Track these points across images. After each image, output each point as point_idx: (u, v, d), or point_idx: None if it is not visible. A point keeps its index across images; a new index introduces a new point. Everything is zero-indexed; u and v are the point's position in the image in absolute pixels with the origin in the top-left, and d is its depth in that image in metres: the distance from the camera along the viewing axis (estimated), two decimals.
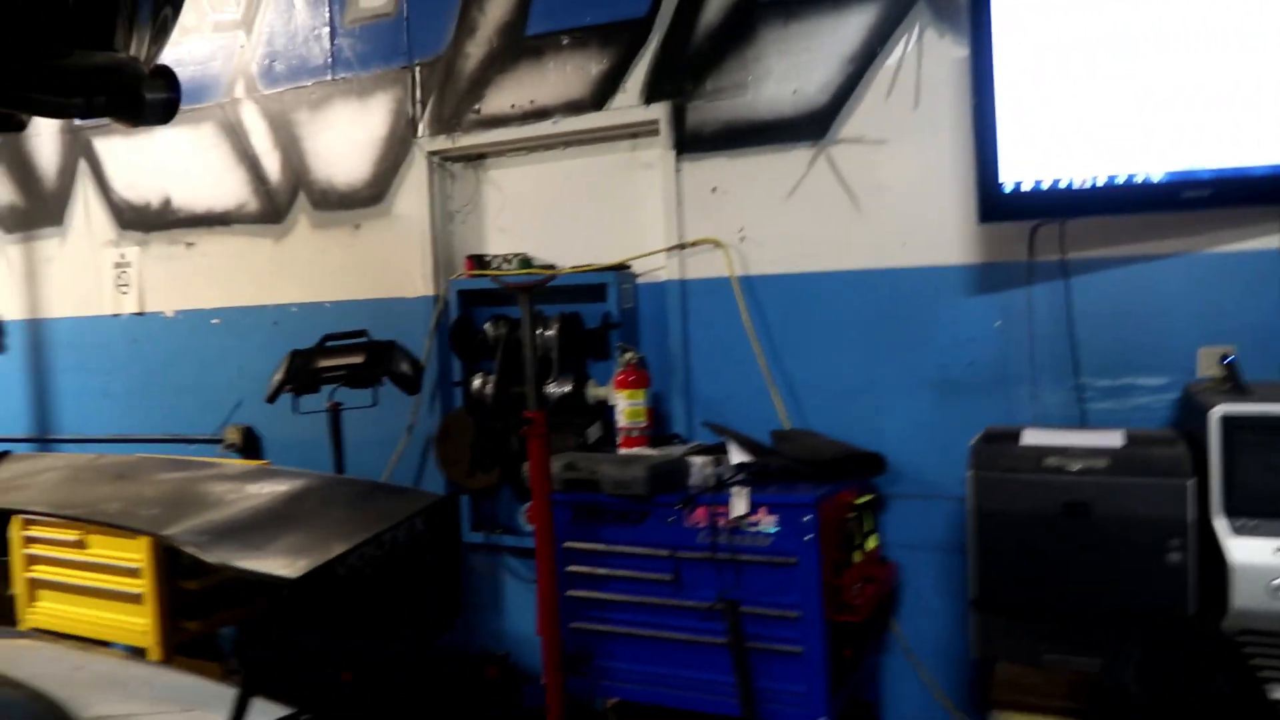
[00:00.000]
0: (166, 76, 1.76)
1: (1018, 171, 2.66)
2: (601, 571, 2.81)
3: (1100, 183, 2.59)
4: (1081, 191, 2.61)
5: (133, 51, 1.64)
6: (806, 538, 2.53)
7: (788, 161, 3.18)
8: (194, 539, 1.39)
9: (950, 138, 2.93)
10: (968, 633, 2.90)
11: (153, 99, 1.74)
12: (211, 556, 1.34)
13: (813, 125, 3.13)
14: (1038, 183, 2.65)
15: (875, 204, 3.07)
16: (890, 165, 3.04)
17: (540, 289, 3.01)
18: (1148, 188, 2.55)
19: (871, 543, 2.93)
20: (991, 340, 2.94)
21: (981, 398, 2.95)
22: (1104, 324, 2.81)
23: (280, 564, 1.29)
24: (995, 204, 2.69)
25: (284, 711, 1.55)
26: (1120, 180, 2.57)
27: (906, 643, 3.10)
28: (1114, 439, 2.43)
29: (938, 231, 2.98)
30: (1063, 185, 2.63)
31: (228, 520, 1.47)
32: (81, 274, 4.80)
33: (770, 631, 2.59)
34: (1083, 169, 2.61)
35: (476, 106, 3.72)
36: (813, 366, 3.20)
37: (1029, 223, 2.84)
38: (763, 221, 3.24)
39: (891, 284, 3.06)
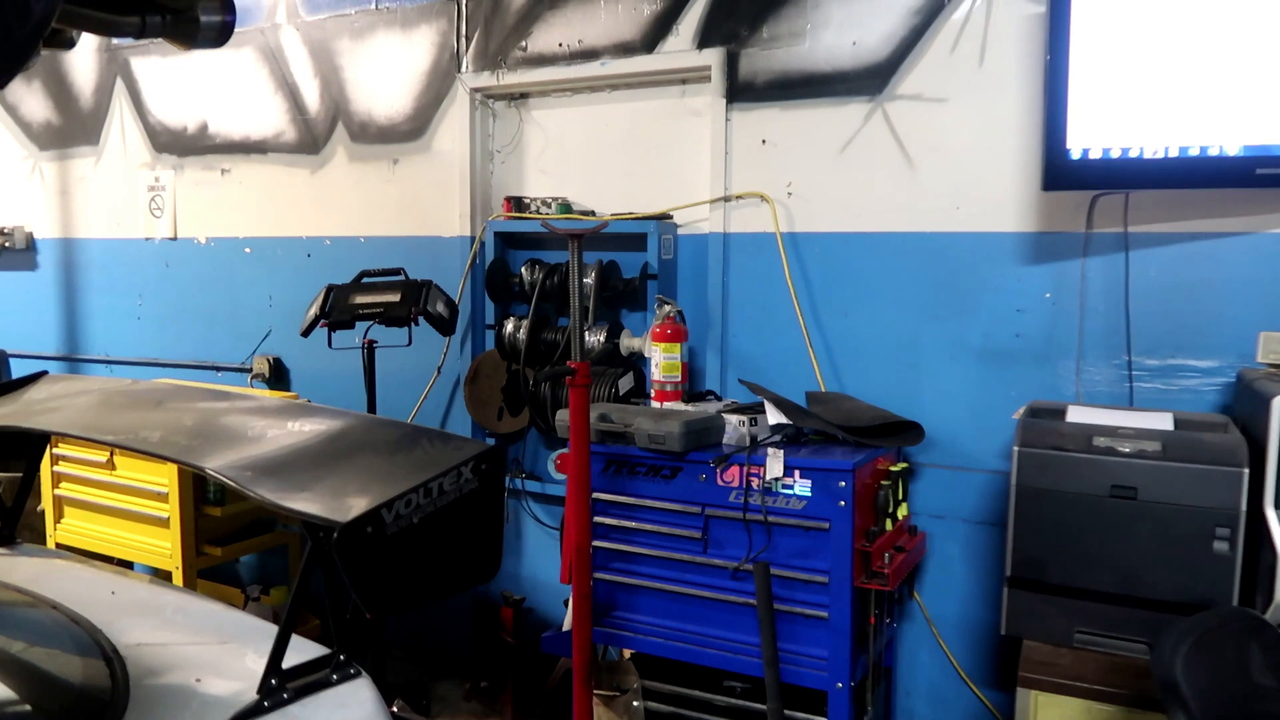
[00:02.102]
0: None
1: (1086, 138, 2.56)
2: (630, 524, 2.79)
3: (1172, 154, 2.49)
4: (1151, 162, 2.52)
5: None
6: (841, 503, 2.50)
7: (842, 116, 3.08)
8: (238, 474, 1.36)
9: (1015, 99, 2.83)
10: (993, 608, 2.88)
11: (208, 21, 1.68)
12: (256, 493, 1.31)
13: (871, 79, 3.03)
14: (1106, 151, 2.56)
15: (930, 165, 2.98)
16: (949, 125, 2.94)
17: (591, 236, 2.94)
18: (1222, 161, 2.45)
19: (902, 511, 2.90)
20: (1041, 312, 2.87)
21: (1025, 370, 2.89)
22: (1159, 301, 2.73)
23: (327, 506, 1.26)
24: (1061, 171, 2.59)
25: (319, 650, 1.54)
26: (1193, 152, 2.48)
27: (928, 612, 3.08)
28: (1163, 421, 2.37)
29: (994, 197, 2.89)
30: (1133, 155, 2.54)
31: (270, 456, 1.44)
32: (115, 195, 4.77)
33: (797, 595, 2.58)
34: (1154, 139, 2.51)
35: (523, 43, 3.63)
36: (853, 329, 3.13)
37: (1091, 192, 2.74)
38: (812, 177, 3.15)
39: (941, 249, 2.98)
